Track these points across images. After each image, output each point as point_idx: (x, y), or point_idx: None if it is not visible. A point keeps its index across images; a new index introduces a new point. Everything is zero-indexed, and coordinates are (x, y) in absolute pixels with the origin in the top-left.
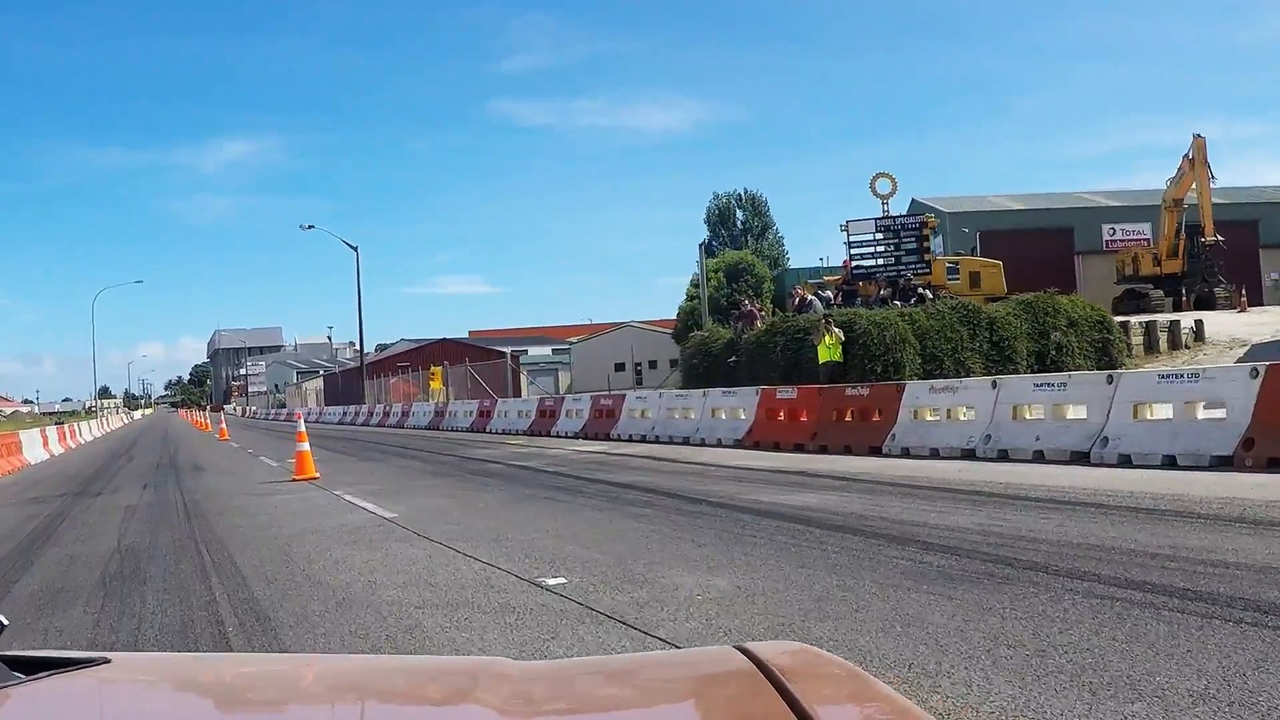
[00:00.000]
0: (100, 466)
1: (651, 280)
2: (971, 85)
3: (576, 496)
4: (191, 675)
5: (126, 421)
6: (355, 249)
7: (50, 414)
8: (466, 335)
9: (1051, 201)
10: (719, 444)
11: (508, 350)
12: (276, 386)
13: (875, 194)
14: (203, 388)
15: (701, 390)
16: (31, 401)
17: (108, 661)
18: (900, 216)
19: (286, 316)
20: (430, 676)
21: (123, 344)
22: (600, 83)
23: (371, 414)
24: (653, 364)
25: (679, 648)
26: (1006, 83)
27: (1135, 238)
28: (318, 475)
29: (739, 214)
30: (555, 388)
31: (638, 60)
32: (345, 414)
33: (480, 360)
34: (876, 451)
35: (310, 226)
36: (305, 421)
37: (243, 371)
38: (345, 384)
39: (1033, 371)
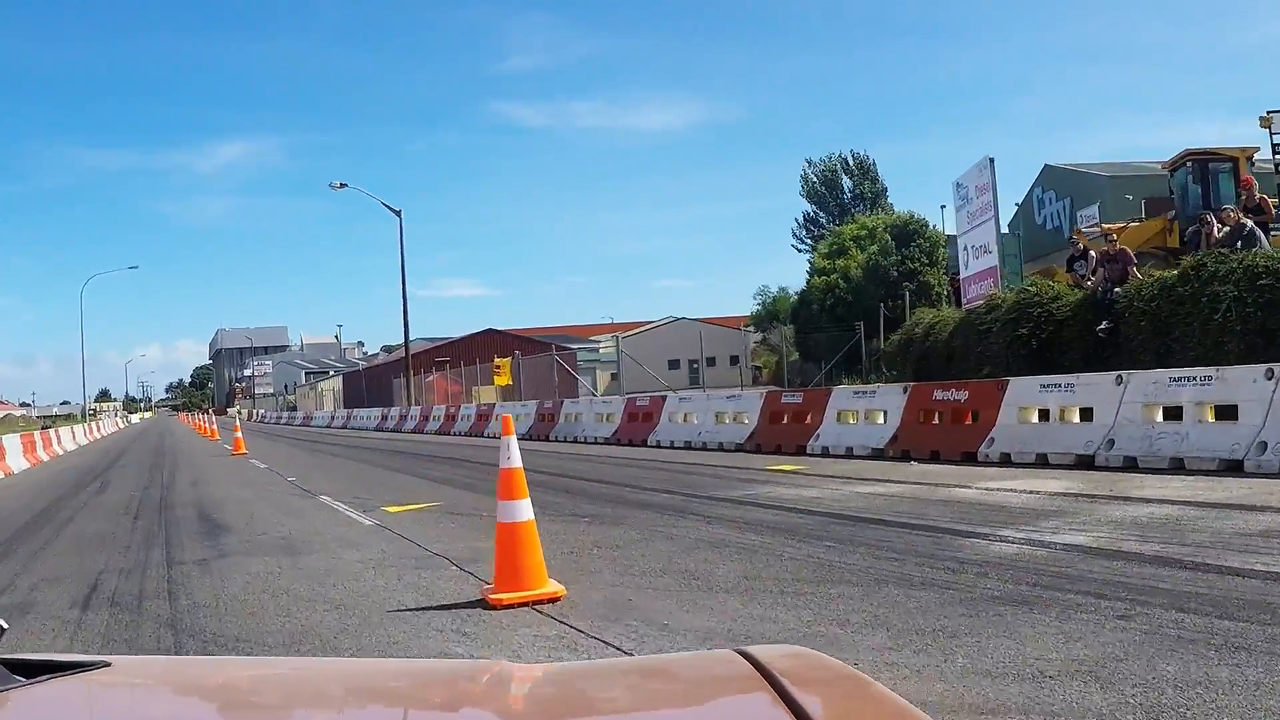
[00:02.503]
0: (41, 510)
1: (651, 282)
2: (967, 86)
3: None
4: (191, 678)
5: (121, 426)
6: (398, 213)
7: (46, 417)
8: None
9: None
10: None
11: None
12: (286, 387)
13: None
14: (204, 390)
15: (1212, 369)
16: (29, 404)
17: (108, 665)
18: None
19: (288, 318)
20: (431, 679)
21: (121, 347)
22: (598, 83)
23: (427, 418)
24: (711, 360)
25: None
26: (1002, 83)
27: None
28: (561, 590)
29: (846, 181)
30: (593, 387)
31: (635, 60)
32: (386, 418)
33: (536, 354)
34: None
35: (343, 185)
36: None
37: (247, 372)
38: (371, 383)
39: None
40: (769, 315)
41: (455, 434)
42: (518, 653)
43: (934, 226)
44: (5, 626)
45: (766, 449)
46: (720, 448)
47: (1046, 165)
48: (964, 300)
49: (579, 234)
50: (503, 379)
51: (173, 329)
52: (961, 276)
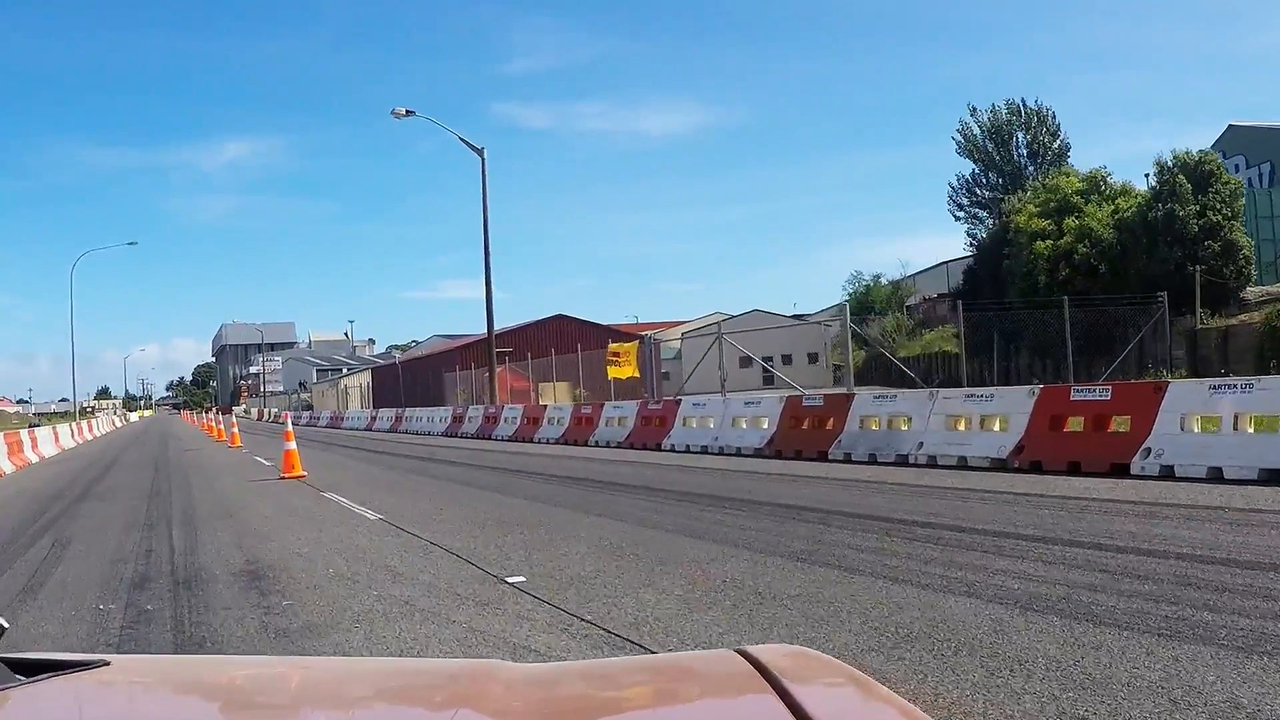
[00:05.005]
0: None
1: (654, 285)
2: (973, 90)
3: None
4: (190, 677)
5: (118, 425)
6: (480, 151)
7: (42, 414)
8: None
9: None
10: None
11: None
12: (302, 384)
13: None
14: (205, 389)
15: None
16: (26, 401)
17: (107, 664)
18: None
19: (290, 317)
20: (429, 678)
21: (120, 346)
22: (602, 86)
23: (535, 421)
24: (788, 358)
25: None
26: (1008, 88)
27: None
28: None
29: (1019, 136)
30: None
31: (640, 63)
32: (461, 420)
33: (601, 345)
34: None
35: (409, 112)
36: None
37: (253, 369)
38: (411, 379)
39: None
40: (860, 306)
41: (595, 444)
42: None
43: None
44: (6, 626)
45: None
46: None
47: (1231, 126)
48: None
49: (582, 236)
50: (624, 370)
51: (171, 328)
52: None
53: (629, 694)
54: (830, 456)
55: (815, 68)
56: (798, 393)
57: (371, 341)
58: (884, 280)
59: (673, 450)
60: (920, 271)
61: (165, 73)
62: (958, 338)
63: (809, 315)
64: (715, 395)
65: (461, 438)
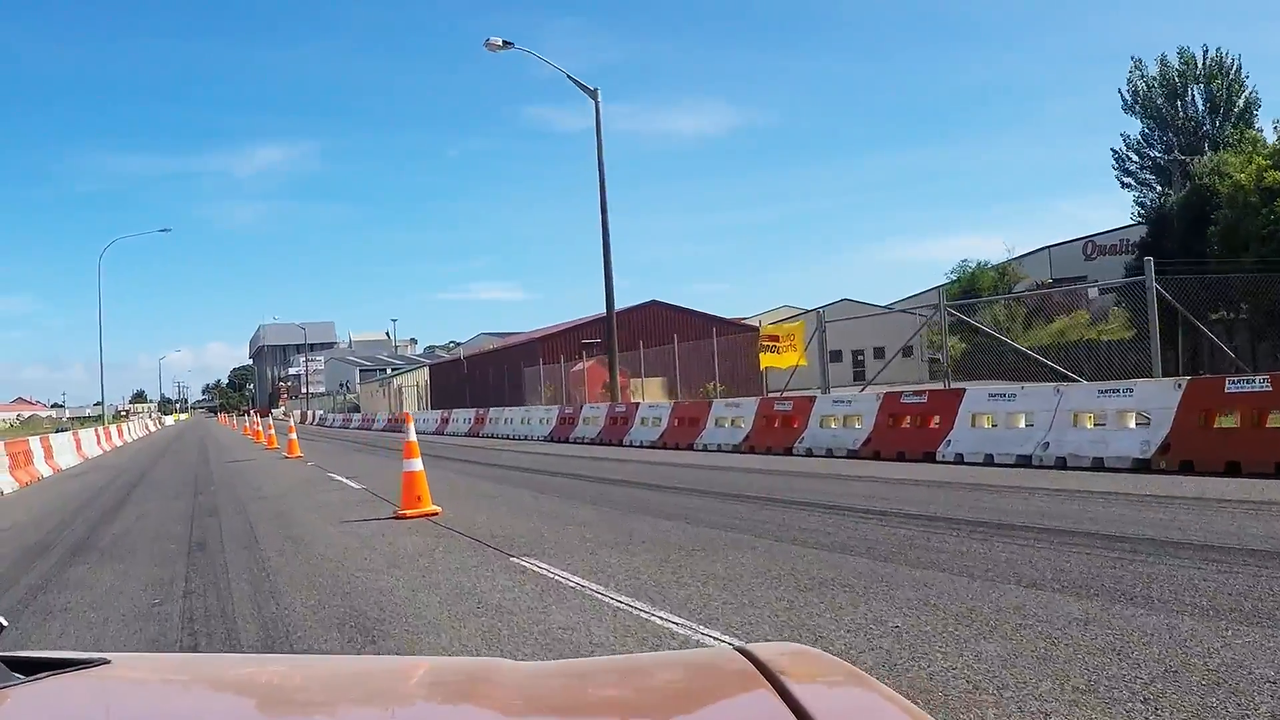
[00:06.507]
0: None
1: (684, 287)
2: (997, 89)
3: None
4: (191, 675)
5: (152, 430)
6: (594, 93)
7: (77, 418)
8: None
9: None
10: None
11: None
12: (344, 384)
13: None
14: (241, 392)
15: None
16: (60, 405)
17: (107, 662)
18: None
19: (328, 318)
20: (430, 677)
21: (152, 351)
22: (632, 88)
23: (694, 423)
24: (879, 351)
25: None
26: (1032, 87)
27: None
28: None
29: (1194, 91)
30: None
31: (669, 65)
32: (573, 421)
33: (723, 334)
34: None
35: (507, 44)
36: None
37: (293, 371)
38: (481, 377)
39: None
40: (966, 294)
41: (806, 452)
42: None
43: None
44: (4, 624)
45: None
46: None
47: None
48: None
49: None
50: (785, 358)
51: (204, 332)
52: None
53: (629, 691)
54: None
55: (845, 69)
56: (1206, 376)
57: (413, 341)
58: (988, 266)
59: (960, 461)
60: (1023, 255)
61: (195, 79)
62: (1106, 322)
63: (895, 304)
64: (1016, 385)
65: (575, 443)
